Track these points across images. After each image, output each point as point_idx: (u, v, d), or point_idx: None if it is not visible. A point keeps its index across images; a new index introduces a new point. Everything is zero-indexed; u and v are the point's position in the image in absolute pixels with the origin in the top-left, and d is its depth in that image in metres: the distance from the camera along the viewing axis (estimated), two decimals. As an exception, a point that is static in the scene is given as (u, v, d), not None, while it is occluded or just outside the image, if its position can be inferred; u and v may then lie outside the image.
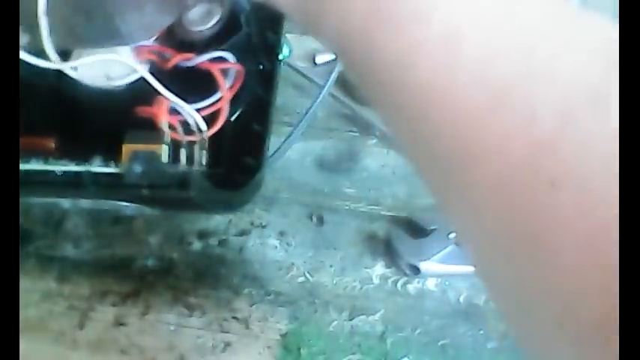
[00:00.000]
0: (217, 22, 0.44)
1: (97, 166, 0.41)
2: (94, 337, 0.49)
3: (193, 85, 0.43)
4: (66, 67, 0.41)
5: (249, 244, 0.53)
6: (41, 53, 0.39)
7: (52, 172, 0.42)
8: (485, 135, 0.21)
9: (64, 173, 0.41)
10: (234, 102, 0.45)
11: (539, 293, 0.21)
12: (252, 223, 0.54)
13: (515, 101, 0.20)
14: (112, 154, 0.42)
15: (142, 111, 0.43)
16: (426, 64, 0.22)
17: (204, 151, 0.43)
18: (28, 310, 0.50)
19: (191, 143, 0.43)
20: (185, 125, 0.43)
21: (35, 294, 0.51)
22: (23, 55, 0.39)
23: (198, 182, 0.41)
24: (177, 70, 0.44)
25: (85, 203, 0.50)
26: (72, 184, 0.42)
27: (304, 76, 0.62)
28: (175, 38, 0.44)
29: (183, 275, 0.52)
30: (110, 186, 0.41)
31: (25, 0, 0.36)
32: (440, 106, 0.22)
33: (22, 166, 0.41)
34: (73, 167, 0.41)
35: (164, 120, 0.42)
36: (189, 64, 0.44)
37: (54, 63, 0.40)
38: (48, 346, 0.48)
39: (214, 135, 0.43)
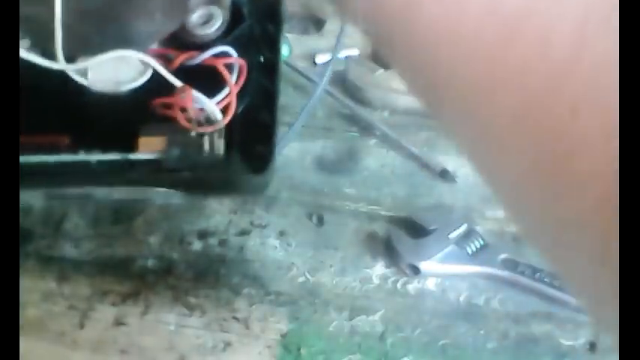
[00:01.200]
0: (220, 25, 0.45)
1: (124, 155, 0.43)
2: (94, 337, 0.49)
3: (200, 84, 0.44)
4: (74, 73, 0.41)
5: (249, 244, 0.53)
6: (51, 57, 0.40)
7: (88, 162, 0.43)
8: (502, 69, 0.21)
9: (100, 162, 0.42)
10: (241, 94, 0.45)
11: (571, 223, 0.20)
12: (252, 223, 0.54)
13: (529, 30, 0.20)
14: (128, 148, 0.43)
15: (161, 105, 0.44)
16: (433, 2, 0.21)
17: (222, 140, 0.44)
18: (28, 310, 0.50)
19: (210, 133, 0.44)
20: (203, 116, 0.44)
21: (35, 294, 0.51)
22: (35, 58, 0.40)
23: (224, 168, 0.43)
24: (183, 71, 0.44)
25: (119, 193, 0.52)
26: (109, 173, 0.43)
27: (304, 76, 0.62)
28: (178, 41, 0.45)
29: (183, 275, 0.52)
30: (150, 172, 0.43)
31: (39, 10, 0.36)
32: (452, 44, 0.21)
33: (58, 158, 0.43)
34: (111, 156, 0.42)
35: (189, 111, 0.43)
36: (194, 62, 0.44)
37: (66, 69, 0.40)
38: (48, 346, 0.48)
39: (226, 127, 0.44)
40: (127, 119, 0.44)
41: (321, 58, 0.64)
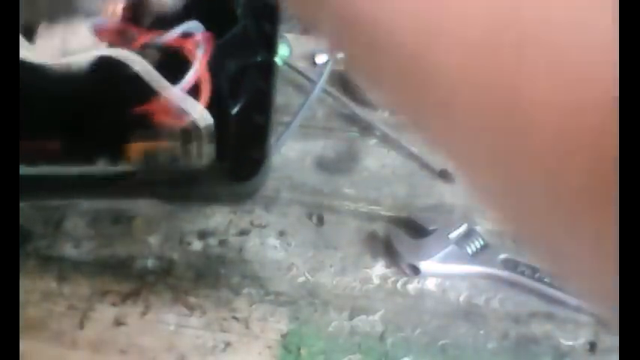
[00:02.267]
0: None
1: (107, 166, 0.42)
2: (94, 337, 0.49)
3: (168, 64, 0.42)
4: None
5: (249, 244, 0.53)
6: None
7: (64, 175, 0.42)
8: (440, 23, 0.21)
9: (78, 176, 0.42)
10: (236, 95, 0.44)
11: (526, 163, 0.20)
12: (252, 223, 0.54)
13: None
14: (118, 154, 0.42)
15: (146, 109, 0.43)
16: None
17: (211, 145, 0.43)
18: (28, 310, 0.50)
19: (198, 138, 0.43)
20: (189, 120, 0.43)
21: (35, 294, 0.51)
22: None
23: (210, 176, 0.42)
24: (149, 52, 0.43)
25: (98, 204, 0.51)
26: (86, 185, 0.42)
27: (304, 76, 0.62)
28: (140, 16, 0.43)
29: (183, 275, 0.52)
30: (122, 185, 0.42)
31: None
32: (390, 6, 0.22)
33: (34, 170, 0.42)
34: (86, 169, 0.42)
35: (169, 117, 0.42)
36: (158, 42, 0.42)
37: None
38: (48, 346, 0.48)
39: (219, 129, 0.43)
40: (113, 127, 0.43)
41: (321, 58, 0.64)
